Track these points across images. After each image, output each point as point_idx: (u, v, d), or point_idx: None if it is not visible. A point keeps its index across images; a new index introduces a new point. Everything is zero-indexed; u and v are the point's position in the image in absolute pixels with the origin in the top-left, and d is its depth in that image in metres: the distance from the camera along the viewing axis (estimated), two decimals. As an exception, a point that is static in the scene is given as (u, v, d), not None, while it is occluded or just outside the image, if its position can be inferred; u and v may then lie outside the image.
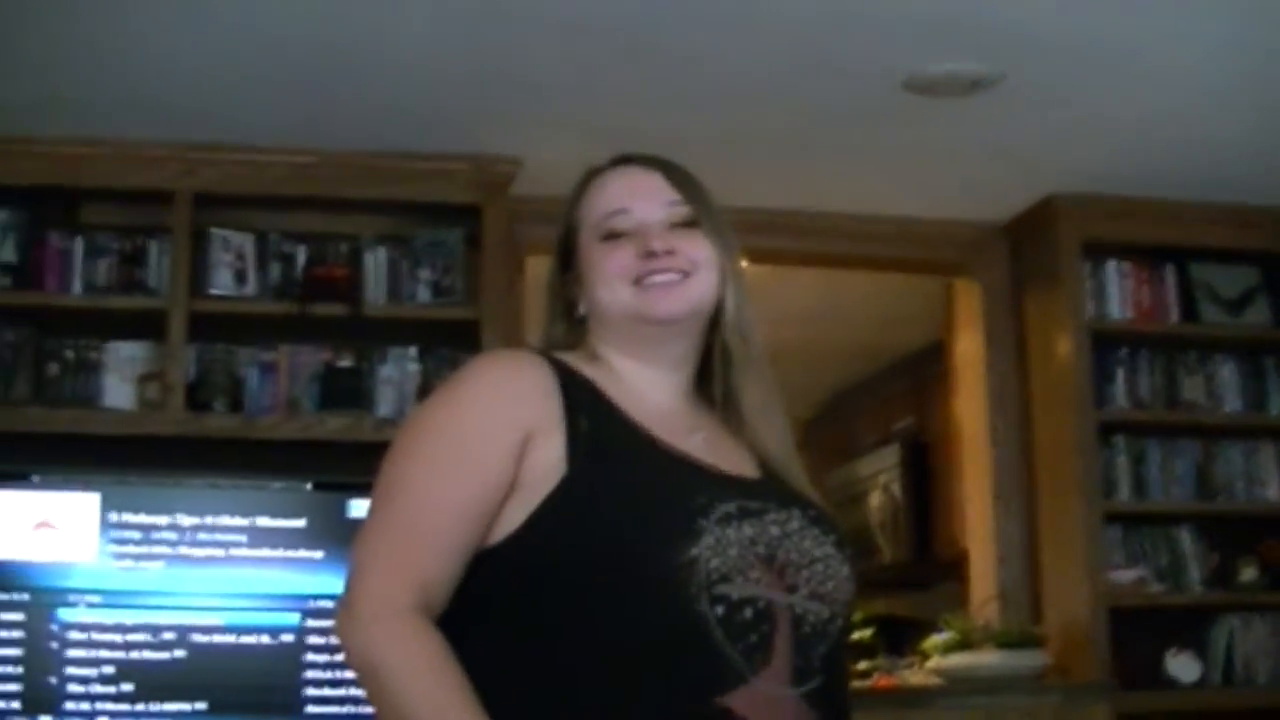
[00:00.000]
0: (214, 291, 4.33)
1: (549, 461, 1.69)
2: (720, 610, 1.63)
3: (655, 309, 1.83)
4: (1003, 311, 5.15)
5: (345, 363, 4.42)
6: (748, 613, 1.65)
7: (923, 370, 6.54)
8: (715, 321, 1.90)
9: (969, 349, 5.32)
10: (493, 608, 1.69)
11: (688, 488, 1.73)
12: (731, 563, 1.65)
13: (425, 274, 4.48)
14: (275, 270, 4.41)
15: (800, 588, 1.70)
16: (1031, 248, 5.02)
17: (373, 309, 4.41)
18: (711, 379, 1.93)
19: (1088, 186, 4.73)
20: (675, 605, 1.62)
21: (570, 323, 1.91)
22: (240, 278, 4.36)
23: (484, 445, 1.70)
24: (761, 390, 1.91)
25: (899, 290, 5.80)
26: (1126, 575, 4.72)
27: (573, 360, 1.83)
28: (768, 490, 1.80)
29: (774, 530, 1.72)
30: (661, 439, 1.78)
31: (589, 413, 1.75)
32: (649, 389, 1.86)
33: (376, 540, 1.68)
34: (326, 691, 3.85)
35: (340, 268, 4.42)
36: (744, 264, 1.94)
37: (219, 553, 3.92)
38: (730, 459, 1.84)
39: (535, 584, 1.67)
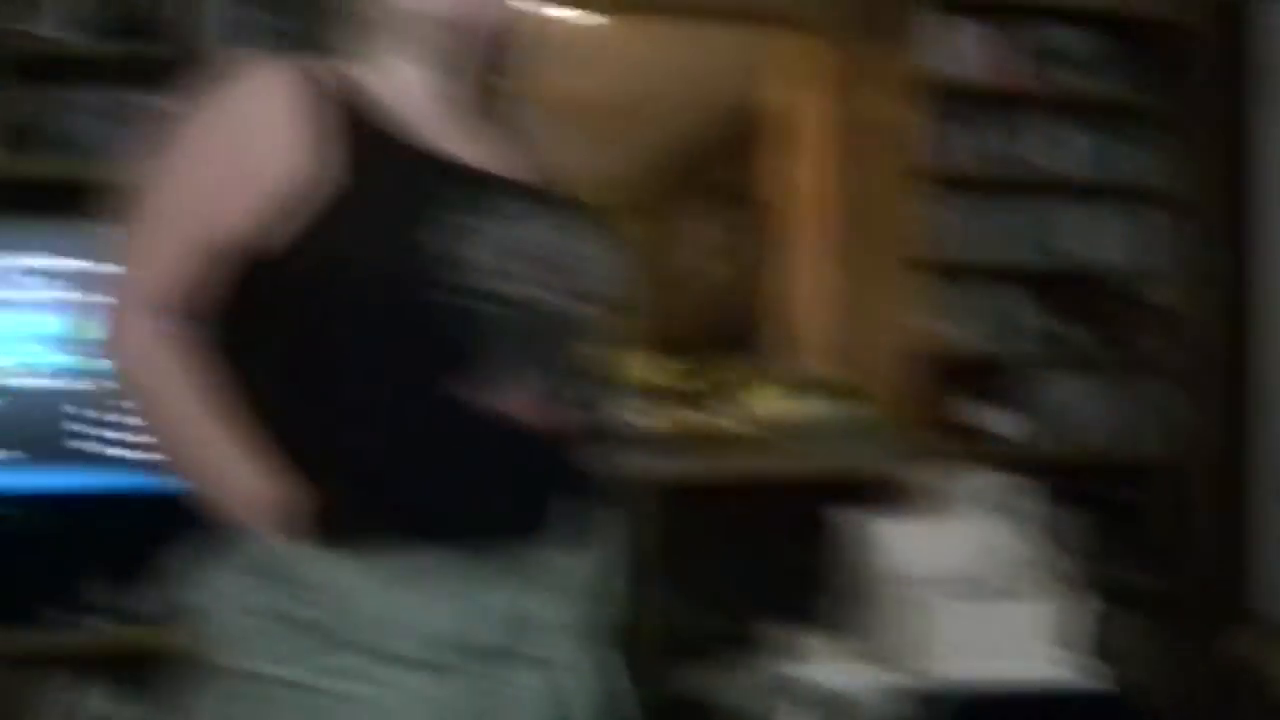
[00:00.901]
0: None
1: (310, 169, 1.66)
2: (488, 307, 1.65)
3: (472, 14, 1.81)
4: (843, 65, 5.01)
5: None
6: (514, 310, 1.67)
7: (758, 125, 6.39)
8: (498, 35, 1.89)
9: (807, 103, 5.22)
10: (262, 315, 1.69)
11: (456, 188, 1.72)
12: (499, 259, 1.67)
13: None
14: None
15: (567, 286, 1.73)
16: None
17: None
18: (487, 89, 1.91)
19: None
20: (441, 301, 1.64)
21: (335, 26, 1.87)
22: None
23: (234, 155, 1.68)
24: (533, 107, 1.94)
25: (735, 44, 5.66)
26: (953, 330, 4.68)
27: (338, 65, 1.81)
28: (537, 192, 1.81)
29: (542, 230, 1.74)
30: (429, 141, 1.76)
31: (353, 117, 1.72)
32: (424, 93, 1.83)
33: (124, 254, 1.72)
34: (96, 432, 3.70)
35: None
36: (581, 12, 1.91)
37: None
38: (502, 164, 1.82)
39: (302, 289, 1.66)
